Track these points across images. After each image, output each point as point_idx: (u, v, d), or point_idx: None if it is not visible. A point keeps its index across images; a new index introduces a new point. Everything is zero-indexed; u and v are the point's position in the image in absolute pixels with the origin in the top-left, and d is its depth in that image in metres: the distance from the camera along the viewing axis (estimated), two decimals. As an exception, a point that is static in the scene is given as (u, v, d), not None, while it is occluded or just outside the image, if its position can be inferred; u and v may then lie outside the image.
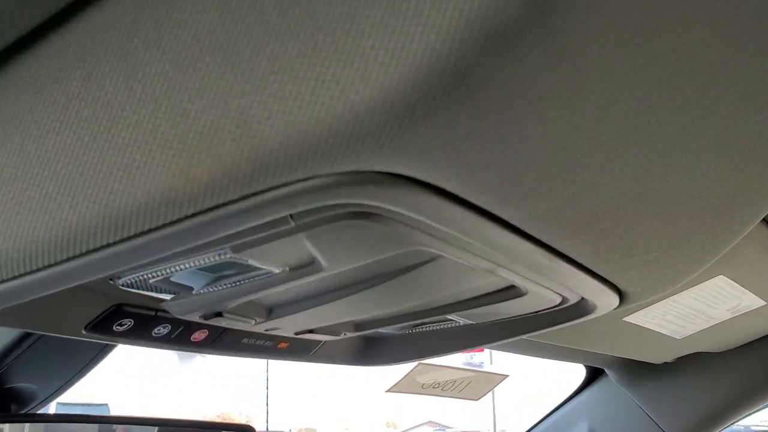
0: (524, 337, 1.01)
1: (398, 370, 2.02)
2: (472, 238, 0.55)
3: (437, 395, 2.06)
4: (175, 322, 0.78)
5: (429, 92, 0.35)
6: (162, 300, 0.72)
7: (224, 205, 0.43)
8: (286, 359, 0.99)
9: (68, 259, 0.47)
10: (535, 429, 2.33)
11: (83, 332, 0.72)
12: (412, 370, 1.92)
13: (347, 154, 0.39)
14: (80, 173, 0.44)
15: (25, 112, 0.46)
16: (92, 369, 1.05)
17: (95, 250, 0.46)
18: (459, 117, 0.38)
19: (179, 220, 0.44)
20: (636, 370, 2.10)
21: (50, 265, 0.48)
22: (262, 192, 0.42)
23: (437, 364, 1.98)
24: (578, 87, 0.41)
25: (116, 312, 0.73)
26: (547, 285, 0.77)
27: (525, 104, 0.40)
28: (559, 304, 0.89)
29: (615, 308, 0.91)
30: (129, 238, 0.45)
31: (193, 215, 0.44)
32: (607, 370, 2.19)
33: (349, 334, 0.92)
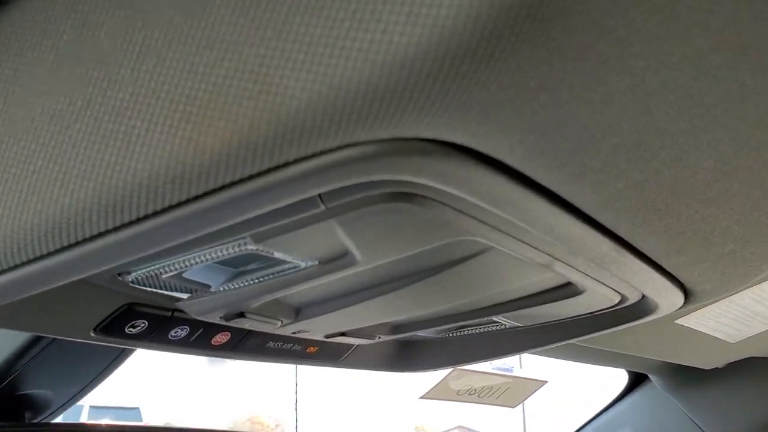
0: (574, 341, 0.92)
1: (431, 375, 1.94)
2: (533, 225, 0.48)
3: (473, 402, 1.97)
4: (194, 324, 0.72)
5: (495, 29, 0.27)
6: (177, 300, 0.65)
7: (241, 181, 0.36)
8: (315, 365, 0.91)
9: (61, 250, 0.40)
10: (575, 437, 2.23)
11: (92, 335, 0.65)
12: (446, 376, 1.84)
13: (389, 114, 0.31)
14: (72, 145, 0.38)
15: (9, 74, 0.40)
16: (110, 374, 0.99)
17: (91, 238, 0.40)
18: (531, 62, 0.30)
19: (188, 201, 0.37)
20: (682, 376, 1.99)
21: (40, 257, 0.41)
22: (285, 165, 0.35)
23: (472, 369, 1.90)
24: (673, 32, 0.33)
25: (128, 312, 0.66)
26: (608, 282, 0.69)
27: (610, 49, 0.32)
28: (617, 305, 0.80)
29: (678, 309, 0.82)
30: (130, 224, 0.38)
31: (205, 194, 0.37)
32: (651, 376, 2.08)
33: (384, 338, 0.84)
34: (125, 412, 11.48)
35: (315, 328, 0.75)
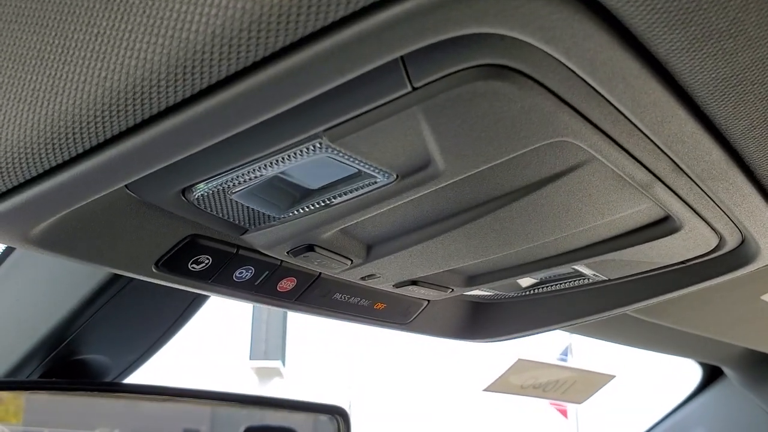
0: (661, 299, 0.85)
1: (493, 368, 1.86)
2: (643, 113, 0.42)
3: (537, 396, 1.89)
4: (260, 265, 0.67)
5: None
6: (243, 231, 0.60)
7: (307, 41, 0.32)
8: (381, 325, 0.85)
9: (101, 146, 0.38)
10: (645, 437, 2.11)
11: (154, 270, 0.61)
12: (510, 368, 1.77)
13: None
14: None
15: None
16: (166, 342, 0.95)
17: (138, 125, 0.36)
18: None
19: (240, 75, 0.34)
20: (763, 369, 1.86)
21: (82, 155, 0.38)
22: (358, 16, 0.30)
23: (537, 360, 1.82)
24: None
25: (191, 246, 0.62)
26: (707, 216, 0.62)
27: None
28: (713, 251, 0.73)
29: None
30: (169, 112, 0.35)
31: (267, 61, 0.33)
32: (726, 370, 1.95)
33: (458, 291, 0.78)
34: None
35: (385, 272, 0.70)
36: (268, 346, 9.87)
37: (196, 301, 0.91)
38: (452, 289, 0.78)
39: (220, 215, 0.57)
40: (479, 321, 0.94)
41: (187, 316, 0.92)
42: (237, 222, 0.59)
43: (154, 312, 0.91)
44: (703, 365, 2.02)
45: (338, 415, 0.96)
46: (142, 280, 0.85)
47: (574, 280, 0.82)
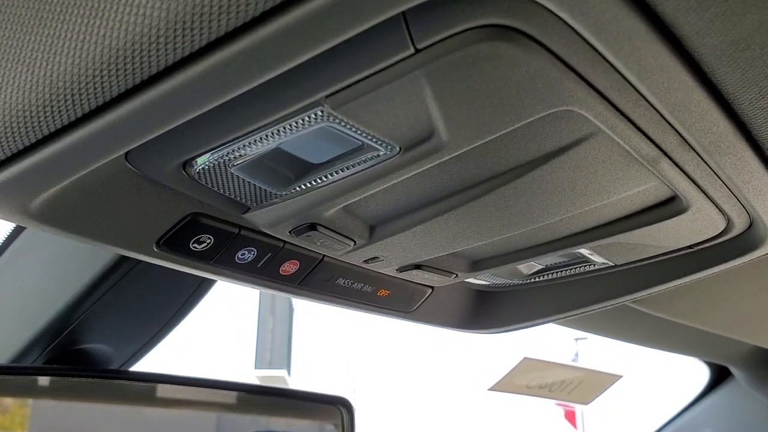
0: (668, 286, 0.84)
1: (499, 367, 1.85)
2: (649, 79, 0.42)
3: (543, 396, 1.88)
4: (262, 247, 0.66)
5: None
6: (245, 210, 0.60)
7: None
8: (385, 313, 0.84)
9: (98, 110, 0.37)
10: (651, 440, 2.09)
11: (155, 249, 0.61)
12: (515, 367, 1.76)
13: None
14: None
15: None
16: (170, 331, 0.94)
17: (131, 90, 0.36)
18: None
19: (241, 30, 0.34)
20: (770, 369, 1.84)
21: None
22: None
23: (543, 360, 1.81)
24: None
25: (193, 224, 0.61)
26: (714, 195, 0.61)
27: None
28: (721, 235, 0.72)
29: None
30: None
31: (268, 15, 0.33)
32: (734, 370, 1.93)
33: (462, 276, 0.77)
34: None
35: (389, 255, 0.69)
36: (273, 356, 9.84)
37: (200, 290, 0.91)
38: (456, 275, 0.77)
39: (222, 192, 0.57)
40: (484, 310, 0.93)
41: (190, 305, 0.91)
42: (239, 199, 0.58)
43: (156, 301, 0.90)
44: (711, 366, 2.00)
45: (342, 405, 0.95)
46: (143, 268, 0.85)
47: (580, 267, 0.81)
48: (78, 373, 0.84)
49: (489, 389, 1.75)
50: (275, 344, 9.88)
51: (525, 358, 1.71)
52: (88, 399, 0.85)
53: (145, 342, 0.91)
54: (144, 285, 0.87)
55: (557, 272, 0.83)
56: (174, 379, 0.87)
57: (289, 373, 9.90)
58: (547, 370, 1.79)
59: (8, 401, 0.86)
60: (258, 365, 9.78)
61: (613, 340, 1.56)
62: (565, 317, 0.91)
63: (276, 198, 0.57)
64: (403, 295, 0.84)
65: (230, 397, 0.92)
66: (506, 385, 1.77)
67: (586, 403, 1.99)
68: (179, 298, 0.90)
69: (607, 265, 0.80)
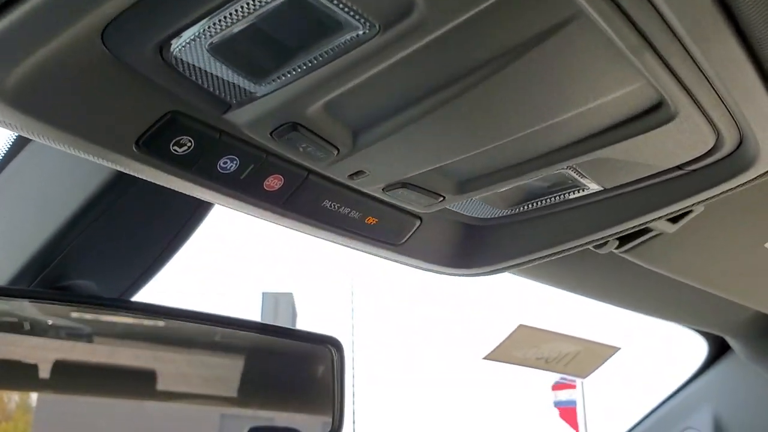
0: (659, 214, 0.83)
1: (495, 335, 1.84)
2: None
3: (539, 368, 1.86)
4: (245, 156, 0.65)
5: None
6: (226, 109, 0.59)
7: None
8: (373, 245, 0.83)
9: None
10: (650, 417, 2.07)
11: (135, 149, 0.60)
12: (510, 335, 1.75)
13: None
14: None
15: None
16: (159, 270, 0.93)
17: None
18: None
19: None
20: (769, 342, 1.82)
21: None
22: None
23: (540, 328, 1.80)
24: None
25: (173, 124, 0.60)
26: (702, 100, 0.61)
27: None
28: (711, 152, 0.72)
29: None
30: None
31: None
32: (731, 342, 1.91)
33: (450, 199, 0.76)
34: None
35: (373, 169, 0.68)
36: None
37: (189, 225, 0.89)
38: (443, 197, 0.76)
39: (201, 83, 0.56)
40: (473, 246, 0.92)
41: (180, 240, 0.90)
42: (218, 93, 0.58)
43: (145, 235, 0.89)
44: (709, 341, 1.98)
45: (331, 345, 0.94)
46: (129, 199, 0.85)
47: (569, 192, 0.80)
48: (74, 300, 0.83)
49: (484, 358, 1.73)
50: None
51: (521, 325, 1.70)
52: (75, 328, 0.84)
53: (134, 280, 0.90)
54: (131, 218, 0.86)
55: (547, 199, 0.82)
56: (170, 311, 0.86)
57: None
58: (542, 339, 1.78)
59: (12, 406, 0.86)
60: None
61: (605, 305, 1.55)
62: (556, 251, 0.90)
63: (255, 93, 0.57)
64: (392, 225, 0.84)
65: (222, 333, 0.92)
66: (501, 353, 1.76)
67: (584, 377, 1.98)
68: (168, 232, 0.89)
69: (596, 190, 0.79)
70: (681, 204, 0.80)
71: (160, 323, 0.89)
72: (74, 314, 0.86)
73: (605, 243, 1.08)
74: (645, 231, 1.07)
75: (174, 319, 0.88)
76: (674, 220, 1.05)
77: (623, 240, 1.09)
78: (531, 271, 1.26)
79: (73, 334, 0.87)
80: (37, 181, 0.86)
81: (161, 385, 0.88)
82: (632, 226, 0.84)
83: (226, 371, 0.95)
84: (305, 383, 1.00)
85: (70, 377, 0.83)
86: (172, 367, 0.90)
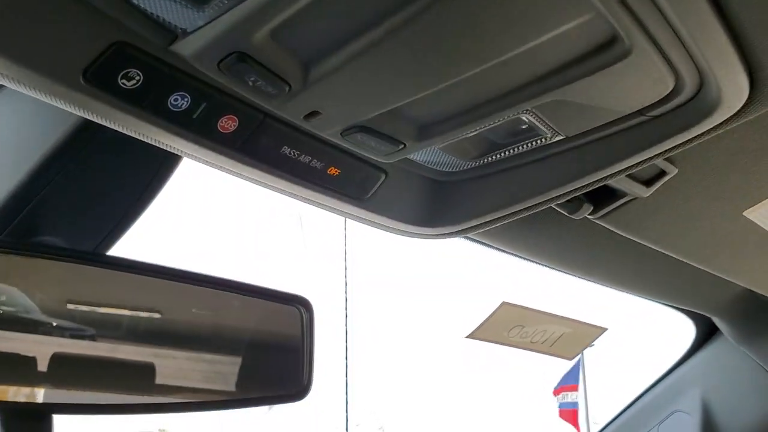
0: (625, 164, 0.82)
1: (478, 314, 1.83)
2: None
3: (524, 348, 1.85)
4: (196, 93, 0.65)
5: None
6: (173, 39, 0.59)
7: None
8: (337, 198, 0.82)
9: None
10: (638, 401, 2.06)
11: (82, 81, 0.60)
12: (494, 312, 1.74)
13: None
14: None
15: None
16: (129, 227, 0.92)
17: None
18: None
19: None
20: (758, 323, 1.81)
21: None
22: None
23: (523, 306, 1.79)
24: None
25: (120, 54, 0.60)
26: (656, 34, 0.60)
27: None
28: (671, 96, 0.71)
29: (742, 105, 0.72)
30: None
31: None
32: (718, 323, 1.89)
33: (411, 147, 0.76)
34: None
35: (329, 107, 0.68)
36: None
37: (159, 176, 0.88)
38: (404, 144, 0.76)
39: (146, 9, 0.56)
40: (439, 202, 0.92)
41: (149, 196, 0.89)
42: (163, 22, 0.57)
43: (113, 188, 0.89)
44: (697, 324, 1.97)
45: (300, 305, 0.94)
46: (95, 148, 0.84)
47: (531, 142, 0.80)
48: (39, 253, 0.82)
49: (467, 336, 1.72)
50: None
51: (504, 303, 1.69)
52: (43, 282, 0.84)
53: (104, 236, 0.90)
54: (100, 168, 0.85)
55: (510, 149, 0.82)
56: (145, 266, 0.85)
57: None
58: (527, 318, 1.77)
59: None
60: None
61: (588, 282, 1.54)
62: (522, 208, 0.89)
63: (198, 21, 0.57)
64: (356, 177, 0.83)
65: (192, 290, 0.91)
66: (485, 332, 1.74)
67: (570, 359, 1.97)
68: (137, 186, 0.88)
69: (558, 139, 0.79)
70: (645, 154, 0.79)
71: (131, 277, 0.88)
72: (44, 268, 0.85)
73: (579, 208, 1.07)
74: (619, 195, 1.06)
75: (142, 274, 0.87)
76: (648, 183, 1.04)
77: (598, 206, 1.08)
78: (508, 243, 1.25)
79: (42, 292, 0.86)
80: (3, 133, 0.86)
81: (129, 337, 0.87)
82: (598, 178, 0.83)
83: (195, 328, 0.94)
84: (278, 340, 0.99)
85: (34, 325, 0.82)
86: (140, 321, 0.90)
